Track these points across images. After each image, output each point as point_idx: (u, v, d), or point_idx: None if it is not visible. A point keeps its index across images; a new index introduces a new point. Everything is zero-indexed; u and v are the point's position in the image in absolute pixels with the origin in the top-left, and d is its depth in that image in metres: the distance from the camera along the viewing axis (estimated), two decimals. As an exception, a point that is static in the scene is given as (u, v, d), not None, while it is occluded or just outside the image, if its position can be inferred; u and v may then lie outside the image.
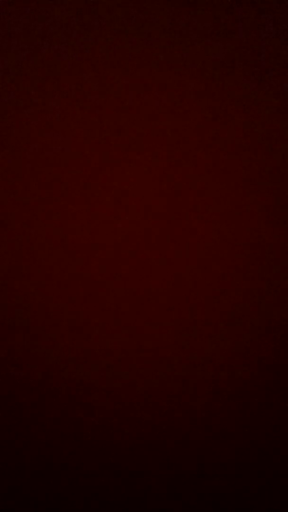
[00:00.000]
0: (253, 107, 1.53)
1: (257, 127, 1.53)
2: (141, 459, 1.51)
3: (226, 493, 1.51)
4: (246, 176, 1.52)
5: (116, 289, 1.53)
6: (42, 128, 1.55)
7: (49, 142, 1.54)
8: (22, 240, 1.54)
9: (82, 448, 1.52)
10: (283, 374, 1.50)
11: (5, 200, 1.54)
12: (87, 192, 1.54)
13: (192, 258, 1.52)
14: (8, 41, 1.55)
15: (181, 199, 1.52)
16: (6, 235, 1.54)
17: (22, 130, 1.55)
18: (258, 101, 1.52)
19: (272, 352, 1.51)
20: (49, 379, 1.53)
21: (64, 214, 1.54)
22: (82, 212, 1.54)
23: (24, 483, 1.53)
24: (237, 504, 1.51)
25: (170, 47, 1.53)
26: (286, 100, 1.53)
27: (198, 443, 1.51)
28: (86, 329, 1.53)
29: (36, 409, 1.53)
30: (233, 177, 1.52)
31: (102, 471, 1.52)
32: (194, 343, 1.51)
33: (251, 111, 1.53)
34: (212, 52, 1.53)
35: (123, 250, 1.53)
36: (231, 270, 1.52)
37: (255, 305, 1.51)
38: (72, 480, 1.53)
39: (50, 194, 1.54)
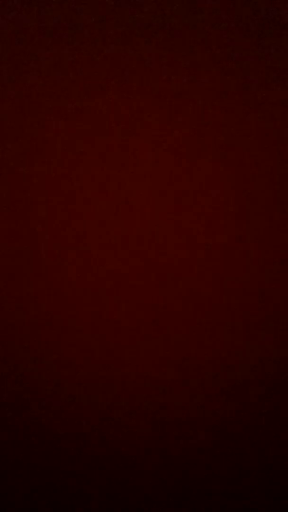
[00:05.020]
0: (254, 104, 1.53)
1: (257, 126, 1.53)
2: (140, 459, 1.51)
3: (226, 493, 1.51)
4: (247, 175, 1.53)
5: (115, 288, 1.53)
6: (42, 126, 1.55)
7: (49, 140, 1.55)
8: (21, 239, 1.54)
9: (82, 448, 1.52)
10: (283, 374, 1.51)
11: (5, 199, 1.55)
12: (86, 190, 1.54)
13: (192, 256, 1.53)
14: (8, 40, 1.56)
15: (181, 197, 1.53)
16: (5, 234, 1.54)
17: (22, 128, 1.55)
18: (258, 100, 1.53)
19: (273, 352, 1.51)
20: (47, 378, 1.53)
21: (64, 213, 1.54)
22: (82, 211, 1.54)
23: (23, 482, 1.53)
24: (237, 504, 1.51)
25: (170, 45, 1.54)
26: (286, 100, 1.54)
27: (198, 443, 1.51)
28: (86, 328, 1.53)
29: (36, 408, 1.53)
30: (233, 176, 1.53)
31: (102, 470, 1.52)
32: (193, 342, 1.52)
33: (252, 110, 1.53)
34: (213, 49, 1.54)
35: (123, 248, 1.53)
36: (231, 268, 1.52)
37: (256, 303, 1.52)
38: (71, 479, 1.52)
39: (49, 192, 1.55)
